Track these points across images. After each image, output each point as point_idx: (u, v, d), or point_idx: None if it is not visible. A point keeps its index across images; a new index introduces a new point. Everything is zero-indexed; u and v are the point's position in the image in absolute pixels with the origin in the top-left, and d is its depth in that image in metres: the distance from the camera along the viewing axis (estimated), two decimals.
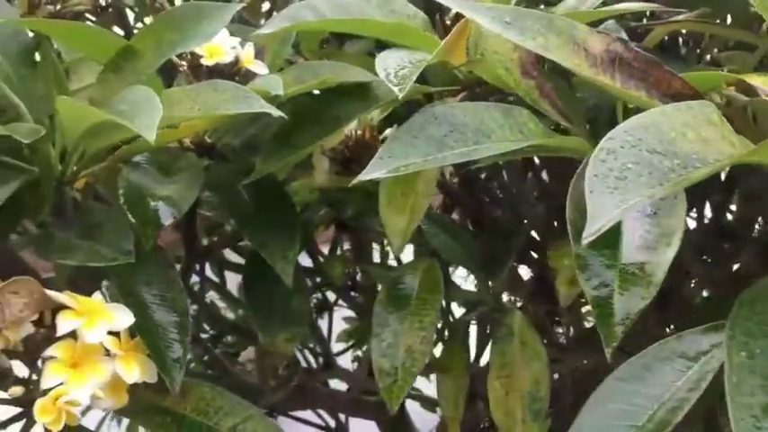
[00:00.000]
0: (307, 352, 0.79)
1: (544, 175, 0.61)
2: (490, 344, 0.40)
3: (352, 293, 0.77)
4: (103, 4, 0.66)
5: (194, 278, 0.65)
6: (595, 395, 0.23)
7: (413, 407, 0.81)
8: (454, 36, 0.34)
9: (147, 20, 0.75)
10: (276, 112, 0.33)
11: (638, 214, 0.28)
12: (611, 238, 0.27)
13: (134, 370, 0.32)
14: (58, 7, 0.55)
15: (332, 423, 0.93)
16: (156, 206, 0.37)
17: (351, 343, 0.96)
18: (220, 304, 0.80)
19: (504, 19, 0.27)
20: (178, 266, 0.45)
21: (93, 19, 0.64)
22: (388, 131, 0.46)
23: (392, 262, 0.78)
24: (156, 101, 0.31)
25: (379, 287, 0.81)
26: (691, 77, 0.29)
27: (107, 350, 0.32)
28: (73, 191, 0.40)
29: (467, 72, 0.41)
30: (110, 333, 0.33)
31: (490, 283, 0.47)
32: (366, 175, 0.28)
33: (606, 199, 0.19)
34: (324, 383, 0.86)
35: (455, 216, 0.60)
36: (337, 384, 0.85)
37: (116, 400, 0.33)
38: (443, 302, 0.44)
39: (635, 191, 0.19)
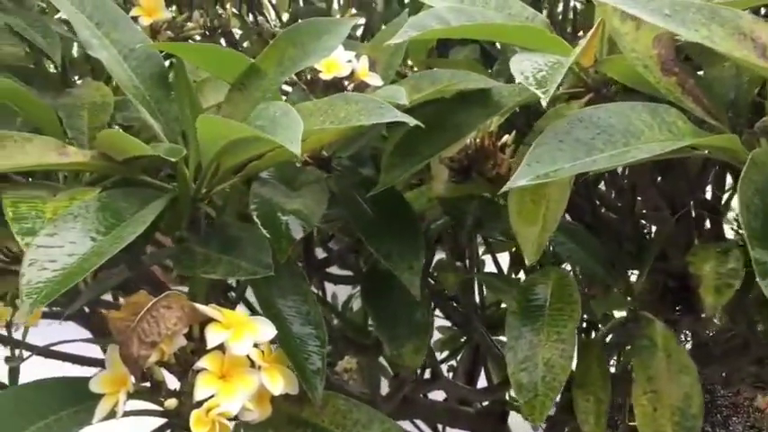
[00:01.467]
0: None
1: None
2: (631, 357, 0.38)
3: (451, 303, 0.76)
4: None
5: None
6: None
7: (516, 419, 0.79)
8: (591, 37, 0.33)
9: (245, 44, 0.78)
10: (412, 121, 0.33)
11: None
12: None
13: (279, 381, 0.33)
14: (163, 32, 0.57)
15: None
16: (287, 220, 0.38)
17: (447, 352, 0.95)
18: None
19: (663, 11, 0.26)
20: None
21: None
22: (505, 138, 0.46)
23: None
24: (295, 114, 0.32)
25: (476, 297, 0.81)
26: None
27: (252, 362, 0.33)
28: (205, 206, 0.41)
29: (593, 73, 0.40)
30: (255, 346, 0.33)
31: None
32: (514, 183, 0.28)
33: None
34: (424, 394, 0.85)
35: None
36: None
37: (262, 412, 0.33)
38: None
39: None
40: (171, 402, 0.31)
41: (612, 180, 0.54)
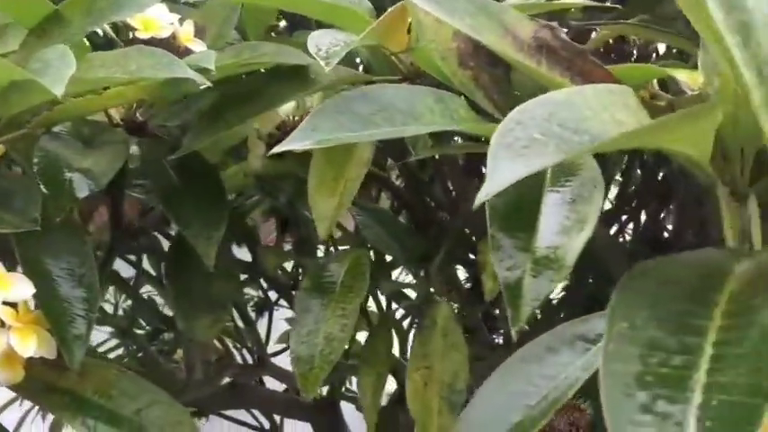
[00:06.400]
0: (245, 352, 0.77)
1: None
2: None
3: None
4: None
5: (131, 272, 0.63)
6: (497, 374, 0.22)
7: (348, 409, 0.80)
8: (388, 19, 0.34)
9: None
10: (200, 78, 0.32)
11: (559, 200, 0.28)
12: (527, 223, 0.26)
13: (30, 343, 0.31)
14: None
15: (266, 424, 0.90)
16: (72, 177, 0.36)
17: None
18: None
19: None
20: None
21: None
22: None
23: None
24: (70, 57, 0.30)
25: None
26: (617, 71, 0.29)
27: (1, 321, 0.30)
28: None
29: (408, 63, 0.41)
30: (7, 303, 0.31)
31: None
32: (287, 146, 0.28)
33: (508, 164, 0.18)
34: (260, 383, 0.84)
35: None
36: (271, 383, 0.83)
37: (11, 375, 0.31)
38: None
39: (538, 158, 0.19)
40: None
41: (439, 178, 0.56)
